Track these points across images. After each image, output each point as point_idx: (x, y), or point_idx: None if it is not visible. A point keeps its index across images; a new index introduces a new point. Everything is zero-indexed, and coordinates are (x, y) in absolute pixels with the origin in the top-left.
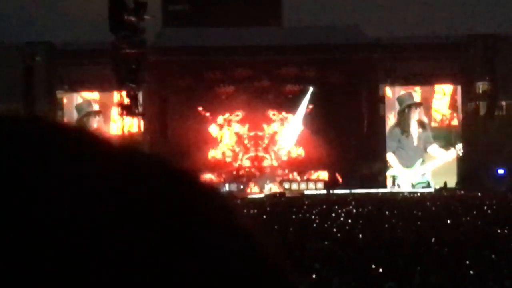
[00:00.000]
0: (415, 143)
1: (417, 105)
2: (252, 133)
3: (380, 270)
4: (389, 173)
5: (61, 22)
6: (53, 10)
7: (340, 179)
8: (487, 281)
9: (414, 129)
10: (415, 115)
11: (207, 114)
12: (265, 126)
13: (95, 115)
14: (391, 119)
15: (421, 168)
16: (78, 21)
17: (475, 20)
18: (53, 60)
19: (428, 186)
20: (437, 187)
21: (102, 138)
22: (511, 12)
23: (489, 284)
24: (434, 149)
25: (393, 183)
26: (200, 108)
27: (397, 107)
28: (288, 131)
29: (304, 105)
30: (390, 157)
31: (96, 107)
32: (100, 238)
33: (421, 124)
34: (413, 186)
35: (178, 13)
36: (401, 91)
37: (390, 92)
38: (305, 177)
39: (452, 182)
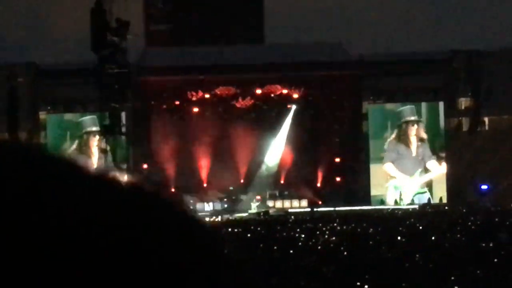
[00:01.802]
0: (414, 154)
1: (417, 122)
2: (236, 153)
3: (366, 287)
4: (389, 184)
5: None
6: (36, 30)
7: (320, 202)
8: None
9: (414, 142)
10: (413, 131)
11: (190, 133)
12: (248, 144)
13: (95, 134)
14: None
15: (421, 178)
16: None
17: (457, 36)
18: (36, 81)
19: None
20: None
21: (82, 168)
22: (493, 28)
23: None
24: (432, 163)
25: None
26: (183, 127)
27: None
28: (272, 150)
29: (288, 123)
30: (390, 167)
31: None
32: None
33: (420, 138)
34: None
35: (161, 32)
36: (388, 107)
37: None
38: (289, 196)
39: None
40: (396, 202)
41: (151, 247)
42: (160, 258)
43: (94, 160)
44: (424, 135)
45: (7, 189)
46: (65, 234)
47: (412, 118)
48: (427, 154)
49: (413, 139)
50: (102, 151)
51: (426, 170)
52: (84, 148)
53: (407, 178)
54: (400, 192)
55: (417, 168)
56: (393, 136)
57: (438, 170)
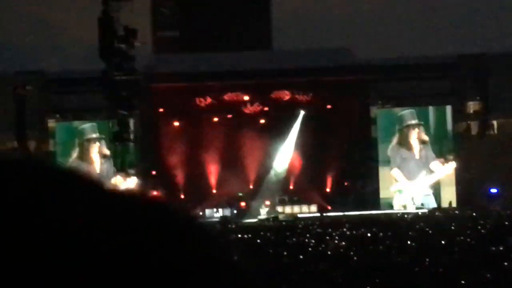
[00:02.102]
0: (417, 157)
1: (418, 125)
2: (245, 159)
3: None
4: (393, 188)
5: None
6: (43, 38)
7: (329, 206)
8: None
9: (416, 145)
10: (415, 134)
11: (199, 139)
12: (257, 150)
13: (95, 141)
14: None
15: (425, 179)
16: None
17: (465, 39)
18: (44, 89)
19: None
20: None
21: (86, 179)
22: (500, 31)
23: None
24: (435, 164)
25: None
26: (192, 134)
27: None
28: (280, 155)
29: (296, 128)
30: (396, 172)
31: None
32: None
33: (422, 141)
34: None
35: (168, 39)
36: (396, 111)
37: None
38: (298, 201)
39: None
40: (403, 206)
41: (150, 250)
42: (159, 261)
43: (96, 167)
44: (426, 138)
45: (12, 195)
46: (66, 238)
47: (413, 122)
48: (431, 156)
49: (414, 143)
50: (104, 157)
51: (430, 172)
52: (85, 155)
53: (411, 182)
54: (407, 195)
55: (420, 171)
56: (395, 141)
57: (442, 171)
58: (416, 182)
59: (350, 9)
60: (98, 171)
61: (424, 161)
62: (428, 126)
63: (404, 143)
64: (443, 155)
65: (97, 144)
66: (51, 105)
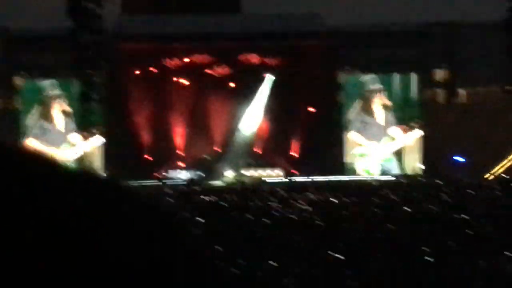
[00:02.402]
0: (380, 122)
1: (380, 90)
2: (211, 121)
3: (338, 256)
4: (355, 152)
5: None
6: None
7: (295, 171)
8: (446, 268)
9: (378, 110)
10: (377, 99)
11: (165, 100)
12: (224, 113)
13: (56, 98)
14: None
15: (388, 145)
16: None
17: (433, 7)
18: (10, 47)
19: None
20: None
21: (50, 160)
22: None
23: (445, 271)
24: (395, 130)
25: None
26: (159, 95)
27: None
28: (247, 119)
29: (263, 92)
30: (354, 135)
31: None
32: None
33: (384, 106)
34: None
35: (137, 0)
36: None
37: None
38: (264, 164)
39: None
40: (366, 171)
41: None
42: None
43: (58, 124)
44: (388, 103)
45: None
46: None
47: (375, 87)
48: (391, 122)
49: (376, 108)
50: (66, 115)
51: (392, 138)
52: (46, 113)
53: (373, 145)
54: (369, 160)
55: (382, 136)
56: (357, 106)
57: (404, 138)
58: (378, 146)
59: None
60: (59, 129)
61: (386, 127)
62: (391, 93)
63: (366, 108)
64: (406, 123)
65: (58, 101)
66: (18, 63)
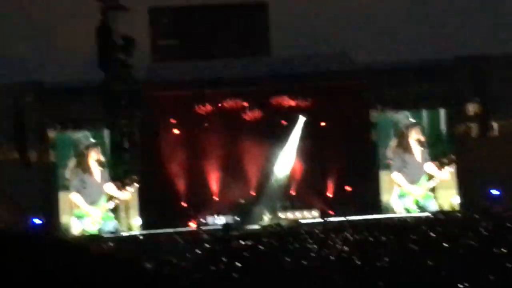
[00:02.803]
0: (418, 160)
1: (414, 124)
2: (246, 166)
3: None
4: (396, 193)
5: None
6: (41, 48)
7: (331, 211)
8: None
9: (415, 147)
10: (414, 134)
11: (199, 147)
12: (258, 157)
13: (92, 148)
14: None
15: (427, 183)
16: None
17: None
18: (43, 100)
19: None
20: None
21: None
22: (497, 32)
23: None
24: (429, 166)
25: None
26: (192, 141)
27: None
28: (281, 161)
29: (296, 134)
30: (396, 175)
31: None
32: None
33: (420, 142)
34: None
35: (167, 47)
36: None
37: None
38: (300, 206)
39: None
40: (406, 210)
41: None
42: None
43: (95, 175)
44: (423, 139)
45: None
46: None
47: (409, 124)
48: (427, 158)
49: (412, 145)
50: (101, 165)
51: (429, 175)
52: (83, 163)
53: (410, 183)
54: (409, 199)
55: (422, 174)
56: (394, 144)
57: (440, 174)
58: (415, 183)
59: (348, 14)
60: (96, 180)
61: (422, 164)
62: (425, 128)
63: (402, 145)
64: (441, 159)
65: (93, 152)
66: (51, 116)
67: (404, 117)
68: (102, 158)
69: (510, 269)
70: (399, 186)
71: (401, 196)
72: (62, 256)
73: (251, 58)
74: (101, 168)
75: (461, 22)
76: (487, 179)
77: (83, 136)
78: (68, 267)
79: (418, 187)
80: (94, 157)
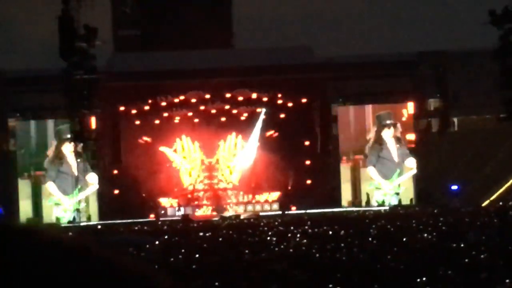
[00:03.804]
0: (394, 157)
1: (394, 124)
2: (205, 157)
3: None
4: (370, 187)
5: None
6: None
7: (291, 205)
8: None
9: (392, 145)
10: (391, 132)
11: (160, 138)
12: (218, 149)
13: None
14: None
15: (397, 179)
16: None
17: (424, 38)
18: (3, 88)
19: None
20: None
21: None
22: (460, 28)
23: None
24: (411, 161)
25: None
26: (152, 132)
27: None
28: (242, 154)
29: (258, 127)
30: (371, 170)
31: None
32: None
33: (398, 139)
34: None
35: (129, 38)
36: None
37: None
38: (259, 199)
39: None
40: (381, 203)
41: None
42: None
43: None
44: (399, 135)
45: None
46: None
47: (388, 121)
48: (405, 153)
49: (390, 140)
50: (78, 155)
51: (405, 169)
52: (60, 154)
53: (385, 182)
54: (380, 193)
55: (395, 170)
56: (371, 139)
57: (402, 168)
58: (391, 181)
59: (310, 8)
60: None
61: (400, 161)
62: (384, 123)
63: (381, 141)
64: (399, 153)
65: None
66: (11, 105)
67: (386, 115)
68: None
69: (468, 264)
70: (373, 180)
71: (377, 189)
72: (16, 245)
73: (213, 50)
74: (77, 159)
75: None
76: (446, 174)
77: (65, 127)
78: (23, 256)
79: (390, 182)
80: (70, 148)
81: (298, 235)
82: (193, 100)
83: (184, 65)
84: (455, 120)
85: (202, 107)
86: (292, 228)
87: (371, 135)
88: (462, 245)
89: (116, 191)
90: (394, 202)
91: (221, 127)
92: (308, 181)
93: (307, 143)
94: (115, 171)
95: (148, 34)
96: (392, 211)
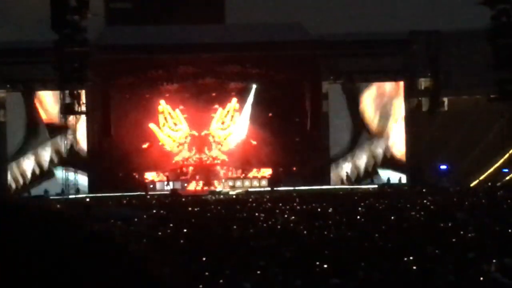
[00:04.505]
0: (367, 131)
1: (367, 98)
2: (196, 131)
3: (325, 266)
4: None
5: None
6: None
7: (280, 181)
8: (431, 276)
9: (364, 119)
10: (365, 108)
11: (150, 112)
12: (209, 124)
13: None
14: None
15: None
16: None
17: (417, 16)
18: None
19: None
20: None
21: None
22: (452, 8)
23: (433, 279)
24: (380, 139)
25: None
26: (143, 106)
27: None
28: (233, 129)
29: (249, 102)
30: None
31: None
32: None
33: (370, 115)
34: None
35: (121, 11)
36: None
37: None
38: (249, 175)
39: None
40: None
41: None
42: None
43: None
44: (373, 112)
45: None
46: None
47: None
48: (379, 131)
49: (362, 117)
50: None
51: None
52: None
53: (358, 155)
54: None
55: (369, 145)
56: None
57: (389, 147)
58: (363, 156)
59: None
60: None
61: (373, 136)
62: (375, 101)
63: (353, 117)
64: (391, 131)
65: (44, 113)
66: (1, 76)
67: (356, 89)
68: (53, 120)
69: (456, 243)
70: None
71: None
72: (5, 217)
73: (205, 25)
74: (51, 130)
75: None
76: (435, 154)
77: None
78: (12, 229)
79: (364, 158)
80: (44, 118)
81: (287, 212)
82: (185, 75)
83: (176, 39)
84: (446, 99)
85: (192, 82)
86: (280, 204)
87: None
88: (450, 225)
89: (106, 165)
90: (375, 179)
91: (212, 102)
92: (297, 158)
93: (297, 119)
94: (105, 144)
95: (140, 8)
96: (380, 190)
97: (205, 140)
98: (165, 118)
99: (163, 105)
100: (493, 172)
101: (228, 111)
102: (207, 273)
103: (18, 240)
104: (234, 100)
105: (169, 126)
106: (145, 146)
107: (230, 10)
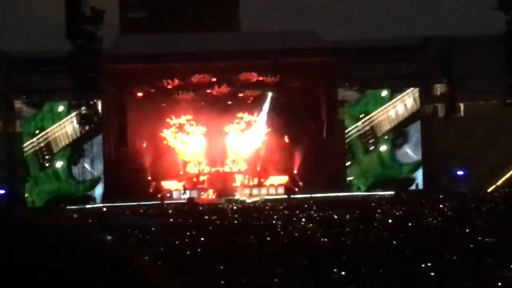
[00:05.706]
0: (382, 137)
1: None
2: (212, 140)
3: (342, 273)
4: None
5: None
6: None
7: (300, 184)
8: (448, 282)
9: (380, 126)
10: (381, 115)
11: (167, 121)
12: (225, 132)
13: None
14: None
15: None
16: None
17: (431, 22)
18: (9, 70)
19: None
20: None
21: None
22: (466, 13)
23: (451, 286)
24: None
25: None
26: (159, 115)
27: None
28: (249, 137)
29: (264, 110)
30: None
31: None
32: None
33: (386, 121)
34: None
35: (136, 20)
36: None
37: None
38: (265, 182)
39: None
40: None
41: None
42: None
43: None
44: (390, 119)
45: None
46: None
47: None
48: (393, 137)
49: (379, 124)
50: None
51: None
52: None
53: (375, 162)
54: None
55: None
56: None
57: (405, 153)
58: (379, 163)
59: None
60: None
61: (387, 142)
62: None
63: (367, 124)
64: (407, 138)
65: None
66: (17, 86)
67: (371, 96)
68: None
69: (473, 249)
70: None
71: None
72: (21, 228)
73: (220, 33)
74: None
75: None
76: (452, 160)
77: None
78: (28, 239)
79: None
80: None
81: (304, 219)
82: (200, 83)
83: (191, 48)
84: (461, 105)
85: (208, 90)
86: (297, 212)
87: None
88: (467, 231)
89: (122, 174)
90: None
91: (228, 110)
92: (314, 165)
93: (313, 127)
94: (121, 154)
95: (155, 17)
96: (397, 196)
97: (222, 149)
98: (178, 129)
99: (174, 120)
100: (510, 177)
101: (243, 120)
102: (223, 281)
103: (24, 257)
104: (251, 109)
105: (182, 140)
106: (160, 155)
107: (244, 18)
